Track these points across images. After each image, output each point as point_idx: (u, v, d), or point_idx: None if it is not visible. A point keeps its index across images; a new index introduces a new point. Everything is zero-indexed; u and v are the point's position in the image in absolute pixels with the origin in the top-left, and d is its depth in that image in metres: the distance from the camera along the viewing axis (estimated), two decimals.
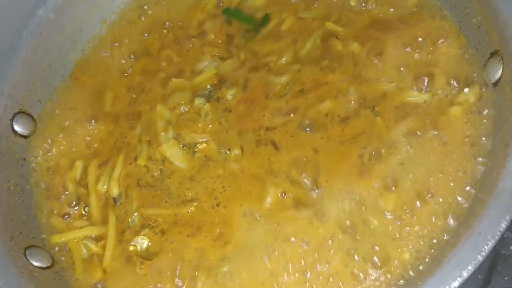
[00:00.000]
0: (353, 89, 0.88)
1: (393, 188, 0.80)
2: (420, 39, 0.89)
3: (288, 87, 0.93)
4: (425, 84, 0.85)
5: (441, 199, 0.78)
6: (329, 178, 0.83)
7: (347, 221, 0.80)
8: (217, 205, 0.86)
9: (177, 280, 0.83)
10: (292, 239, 0.81)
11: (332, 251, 0.79)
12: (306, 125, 0.88)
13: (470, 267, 0.66)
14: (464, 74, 0.84)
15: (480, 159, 0.78)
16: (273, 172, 0.86)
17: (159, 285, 0.83)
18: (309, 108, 0.89)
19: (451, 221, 0.76)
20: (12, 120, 0.95)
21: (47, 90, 1.02)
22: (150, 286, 0.83)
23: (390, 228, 0.78)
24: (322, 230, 0.80)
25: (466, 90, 0.83)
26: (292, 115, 0.90)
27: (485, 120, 0.80)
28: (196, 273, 0.82)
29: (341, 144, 0.85)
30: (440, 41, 0.88)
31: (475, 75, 0.83)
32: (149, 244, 0.87)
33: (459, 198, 0.77)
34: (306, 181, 0.84)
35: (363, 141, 0.84)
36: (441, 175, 0.79)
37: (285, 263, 0.79)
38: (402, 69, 0.88)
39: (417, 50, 0.88)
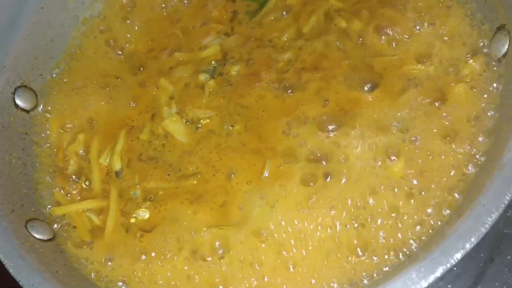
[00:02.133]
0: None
1: (394, 158, 0.80)
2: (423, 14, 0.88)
3: (290, 64, 0.93)
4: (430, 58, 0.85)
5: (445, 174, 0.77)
6: None
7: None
8: (217, 172, 0.87)
9: (177, 250, 0.83)
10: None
11: (334, 220, 0.79)
12: None
13: (473, 239, 0.65)
14: (470, 45, 0.84)
15: (483, 135, 0.78)
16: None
17: (161, 256, 0.83)
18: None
19: (455, 195, 0.76)
20: (13, 94, 0.95)
21: (49, 64, 1.01)
22: (152, 255, 0.83)
23: (395, 199, 0.78)
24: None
25: (471, 61, 0.82)
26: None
27: (492, 94, 0.79)
28: (196, 244, 0.82)
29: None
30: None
31: (481, 45, 0.83)
32: (150, 216, 0.87)
33: (466, 170, 0.77)
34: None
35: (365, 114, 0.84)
36: (444, 148, 0.78)
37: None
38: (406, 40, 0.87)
39: (424, 23, 0.87)
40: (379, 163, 0.80)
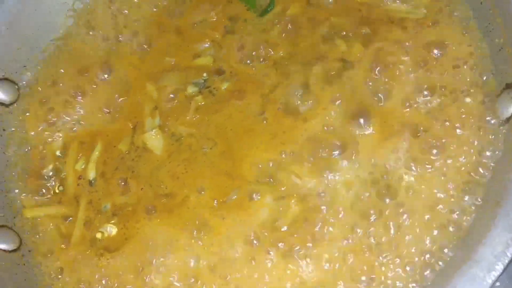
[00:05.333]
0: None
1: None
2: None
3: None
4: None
5: None
6: None
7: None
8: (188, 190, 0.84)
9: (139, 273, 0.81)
10: None
11: None
12: None
13: None
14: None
15: None
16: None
17: (117, 278, 0.82)
18: None
19: None
20: None
21: (33, 56, 0.97)
22: (107, 278, 0.82)
23: None
24: None
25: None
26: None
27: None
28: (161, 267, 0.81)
29: None
30: None
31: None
32: (116, 233, 0.85)
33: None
34: None
35: None
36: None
37: None
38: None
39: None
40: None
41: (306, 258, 0.77)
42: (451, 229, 0.74)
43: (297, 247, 0.78)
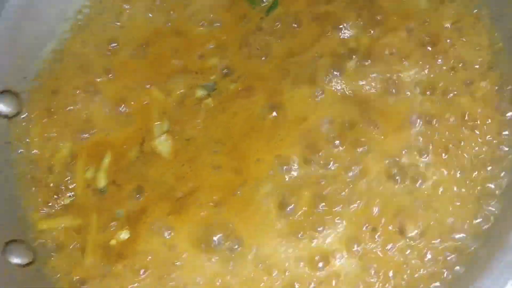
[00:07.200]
0: None
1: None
2: None
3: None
4: None
5: None
6: None
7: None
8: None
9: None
10: None
11: None
12: None
13: None
14: None
15: None
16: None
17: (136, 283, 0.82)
18: None
19: None
20: None
21: (34, 65, 0.95)
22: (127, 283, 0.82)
23: None
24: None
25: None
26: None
27: None
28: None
29: None
30: None
31: None
32: (130, 237, 0.85)
33: None
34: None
35: None
36: None
37: None
38: None
39: None
40: None
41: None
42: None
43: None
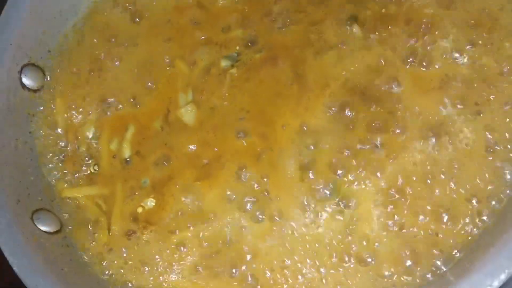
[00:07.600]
0: None
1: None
2: None
3: None
4: None
5: None
6: None
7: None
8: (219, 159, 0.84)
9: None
10: None
11: None
12: None
13: None
14: None
15: None
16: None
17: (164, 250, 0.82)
18: None
19: None
20: (20, 72, 0.89)
21: (57, 39, 0.95)
22: (154, 251, 0.82)
23: None
24: None
25: None
26: None
27: None
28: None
29: None
30: None
31: None
32: (156, 204, 0.85)
33: None
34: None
35: None
36: None
37: None
38: None
39: None
40: None
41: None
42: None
43: None
